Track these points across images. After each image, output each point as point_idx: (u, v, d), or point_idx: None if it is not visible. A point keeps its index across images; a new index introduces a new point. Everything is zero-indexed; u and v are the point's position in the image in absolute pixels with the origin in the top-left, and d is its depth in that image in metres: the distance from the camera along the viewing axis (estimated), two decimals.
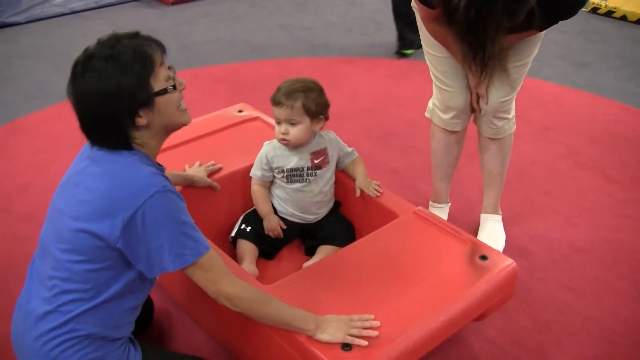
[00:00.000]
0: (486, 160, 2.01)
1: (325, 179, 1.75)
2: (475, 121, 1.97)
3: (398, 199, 1.71)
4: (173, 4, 4.67)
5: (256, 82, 3.35)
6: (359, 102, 3.17)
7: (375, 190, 1.73)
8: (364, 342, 1.24)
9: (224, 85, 3.34)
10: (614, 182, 2.46)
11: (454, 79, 1.82)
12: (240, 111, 2.09)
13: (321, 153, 1.73)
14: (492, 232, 2.06)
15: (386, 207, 1.68)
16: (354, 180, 1.79)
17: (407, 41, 3.54)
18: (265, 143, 1.76)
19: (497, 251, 1.54)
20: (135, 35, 1.20)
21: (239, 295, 1.22)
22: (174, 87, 1.21)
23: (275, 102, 1.63)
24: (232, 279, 1.21)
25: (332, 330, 1.24)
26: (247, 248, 1.71)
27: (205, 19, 4.41)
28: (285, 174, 1.72)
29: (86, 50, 1.17)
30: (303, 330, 1.25)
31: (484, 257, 1.48)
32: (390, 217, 1.64)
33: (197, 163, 1.80)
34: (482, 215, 2.11)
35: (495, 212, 2.11)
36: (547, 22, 1.56)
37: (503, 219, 2.14)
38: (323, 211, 1.79)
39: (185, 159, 1.83)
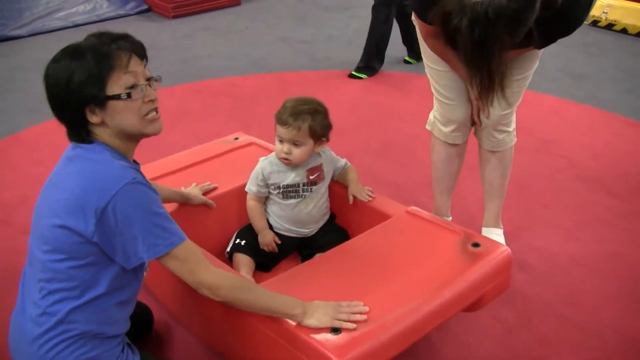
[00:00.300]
0: (487, 173, 2.01)
1: (320, 194, 1.77)
2: (475, 134, 1.97)
3: (391, 202, 1.72)
4: (174, 17, 4.72)
5: (256, 95, 3.37)
6: (358, 115, 3.18)
7: (368, 195, 1.74)
8: (352, 325, 1.23)
9: (223, 99, 3.36)
10: (615, 195, 2.46)
11: (455, 92, 1.83)
12: (236, 138, 2.14)
13: (317, 169, 1.75)
14: None
15: (379, 210, 1.69)
16: (345, 191, 1.81)
17: (369, 69, 3.58)
18: (261, 159, 1.77)
19: (491, 239, 1.54)
20: (118, 36, 1.21)
21: (219, 284, 1.21)
22: (129, 95, 1.19)
23: (282, 121, 1.63)
24: (210, 267, 1.21)
25: (320, 315, 1.24)
26: (243, 261, 1.72)
27: (205, 32, 4.45)
28: (281, 190, 1.73)
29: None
30: (289, 316, 1.24)
31: (476, 245, 1.48)
32: (383, 219, 1.65)
33: (193, 184, 1.82)
34: (484, 229, 2.11)
35: (497, 226, 2.11)
36: (546, 40, 1.58)
37: (504, 233, 2.14)
38: (319, 225, 1.80)
39: (182, 184, 1.85)
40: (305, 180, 1.73)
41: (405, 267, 1.44)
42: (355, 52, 3.95)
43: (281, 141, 1.66)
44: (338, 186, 1.85)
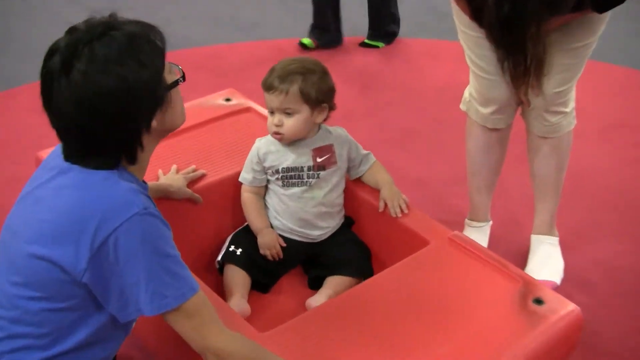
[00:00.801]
0: (537, 165, 1.99)
1: (331, 183, 1.75)
2: (523, 115, 1.96)
3: (427, 220, 1.71)
4: None
5: (245, 68, 3.33)
6: (374, 95, 3.15)
7: (400, 209, 1.71)
8: None
9: (205, 73, 3.33)
10: None
11: (495, 64, 1.79)
12: (228, 99, 2.10)
13: (326, 150, 1.73)
14: (546, 259, 2.04)
15: (412, 230, 1.68)
16: (376, 190, 1.77)
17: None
18: (258, 139, 1.77)
19: (556, 293, 1.53)
20: (134, 22, 1.22)
21: (230, 351, 1.21)
22: (183, 77, 1.26)
23: (267, 86, 1.64)
24: (224, 330, 1.22)
25: None
26: (236, 277, 1.71)
27: None
28: (281, 174, 1.72)
29: (73, 32, 1.15)
30: None
31: (539, 301, 1.48)
32: (418, 244, 1.64)
33: (174, 168, 1.81)
34: (534, 237, 2.09)
35: (550, 233, 2.09)
36: (604, 4, 1.56)
37: (560, 242, 2.11)
38: (330, 225, 1.79)
39: (158, 162, 1.84)
40: (311, 163, 1.72)
41: (450, 327, 1.42)
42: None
43: (272, 112, 1.68)
44: (357, 186, 1.82)
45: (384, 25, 3.54)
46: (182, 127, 1.91)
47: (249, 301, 1.68)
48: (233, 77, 3.25)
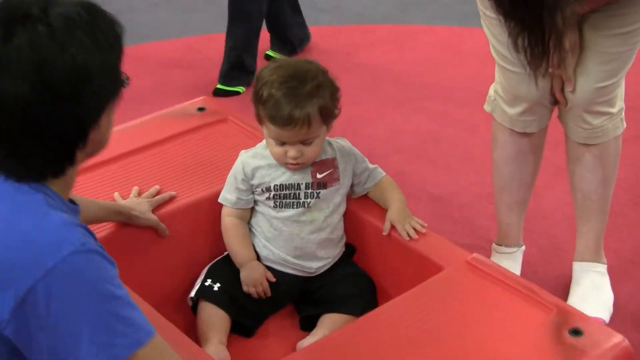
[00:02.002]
0: (579, 179, 2.00)
1: (333, 204, 1.76)
2: (560, 118, 1.97)
3: (442, 242, 1.72)
4: None
5: None
6: (383, 94, 3.16)
7: (414, 230, 1.72)
8: None
9: (178, 71, 3.36)
10: None
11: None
12: (201, 109, 2.14)
13: (328, 165, 1.75)
14: (592, 291, 2.05)
15: (424, 254, 1.69)
16: (381, 209, 1.79)
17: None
18: (242, 152, 1.79)
19: (598, 323, 1.52)
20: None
21: None
22: (127, 78, 1.26)
23: (283, 121, 1.64)
24: None
25: None
26: (213, 318, 1.71)
27: None
28: (273, 193, 1.73)
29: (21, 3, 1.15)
30: None
31: (576, 332, 1.46)
32: (431, 271, 1.64)
33: (135, 190, 1.83)
34: (576, 265, 2.10)
35: (597, 260, 2.10)
36: None
37: (609, 270, 2.12)
38: (331, 255, 1.81)
39: (118, 186, 1.85)
40: (310, 180, 1.74)
41: None
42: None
43: (282, 144, 1.69)
44: (358, 207, 1.83)
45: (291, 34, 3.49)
46: (147, 142, 1.99)
47: (229, 346, 1.68)
48: (212, 74, 3.27)
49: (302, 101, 1.63)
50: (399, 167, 2.67)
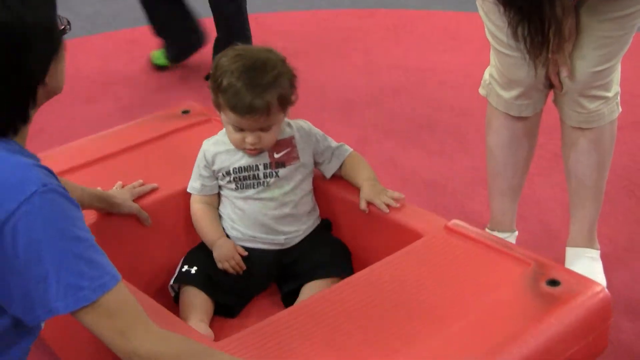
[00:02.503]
0: (574, 163, 2.00)
1: (295, 181, 1.80)
2: (555, 102, 1.96)
3: (421, 212, 1.76)
4: None
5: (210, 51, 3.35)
6: (379, 79, 3.18)
7: (391, 201, 1.74)
8: None
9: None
10: None
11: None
12: (185, 111, 2.20)
13: (284, 144, 1.79)
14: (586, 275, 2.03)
15: (402, 224, 1.72)
16: (356, 188, 1.81)
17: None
18: (205, 140, 1.84)
19: (577, 274, 1.53)
20: None
21: (160, 352, 1.21)
22: (69, 24, 1.26)
23: (243, 110, 1.67)
24: (151, 327, 1.22)
25: None
26: (195, 300, 1.73)
27: None
28: (233, 176, 1.78)
29: None
30: None
31: (554, 282, 1.49)
32: (411, 239, 1.66)
33: (118, 184, 1.87)
34: (569, 250, 2.10)
35: (590, 246, 2.09)
36: None
37: (603, 256, 2.11)
38: (300, 229, 1.83)
39: (100, 182, 1.88)
40: (267, 161, 1.78)
41: (444, 317, 1.44)
42: None
43: (241, 130, 1.73)
44: (332, 184, 1.87)
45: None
46: (131, 143, 2.03)
47: (212, 328, 1.69)
48: (206, 58, 3.24)
49: (262, 91, 1.66)
50: (393, 152, 2.68)
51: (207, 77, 2.93)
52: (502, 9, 1.61)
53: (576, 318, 1.43)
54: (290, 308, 1.54)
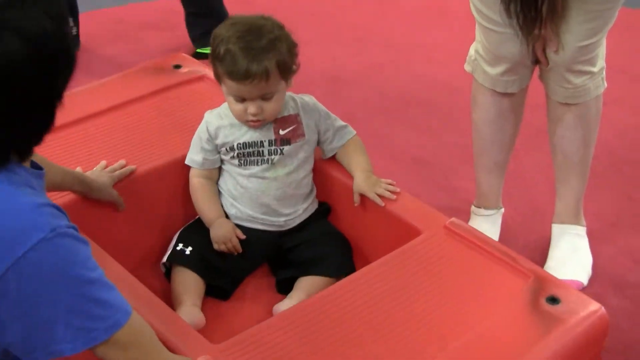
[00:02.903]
0: (559, 139, 2.00)
1: (298, 159, 1.78)
2: (541, 78, 1.95)
3: (421, 206, 1.73)
4: None
5: None
6: (366, 55, 3.15)
7: (387, 193, 1.72)
8: None
9: (157, 34, 3.32)
10: None
11: (504, 12, 1.80)
12: (177, 66, 2.13)
13: (290, 121, 1.77)
14: (571, 253, 2.05)
15: (401, 218, 1.70)
16: (350, 177, 1.80)
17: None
18: (207, 112, 1.80)
19: (576, 291, 1.53)
20: None
21: None
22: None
23: (240, 75, 1.65)
24: (163, 354, 1.25)
25: None
26: (187, 281, 1.71)
27: None
28: (237, 152, 1.75)
29: None
30: None
31: (553, 300, 1.48)
32: (408, 234, 1.65)
33: (102, 163, 1.82)
34: (555, 227, 2.10)
35: (576, 222, 2.09)
36: None
37: (589, 233, 2.11)
38: (298, 210, 1.81)
39: (84, 148, 1.84)
40: (272, 137, 1.75)
41: (443, 331, 1.43)
42: None
43: (243, 100, 1.70)
44: (332, 166, 1.84)
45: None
46: (117, 102, 1.96)
47: (204, 310, 1.68)
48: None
49: (258, 55, 1.64)
50: (381, 129, 2.66)
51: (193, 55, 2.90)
52: None
53: (574, 340, 1.43)
54: (287, 311, 1.52)
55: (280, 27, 1.71)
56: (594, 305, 1.47)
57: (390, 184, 1.75)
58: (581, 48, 1.82)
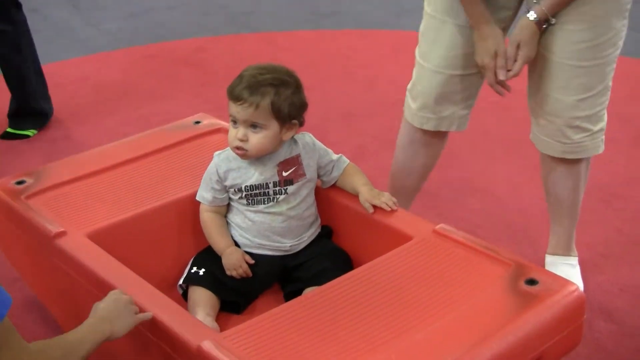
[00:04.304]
0: (551, 185, 2.00)
1: (300, 197, 1.80)
2: (534, 138, 1.94)
3: (412, 217, 1.77)
4: None
5: (234, 64, 3.24)
6: (378, 93, 3.18)
7: (390, 202, 1.75)
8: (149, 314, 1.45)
9: (186, 69, 3.39)
10: None
11: (438, 47, 1.87)
12: (197, 122, 2.20)
13: (292, 162, 1.78)
14: None
15: (396, 228, 1.73)
16: (353, 195, 1.81)
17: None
18: (216, 153, 1.81)
19: (553, 274, 1.54)
20: None
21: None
22: None
23: (234, 96, 1.68)
24: (24, 347, 1.26)
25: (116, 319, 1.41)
26: (202, 296, 1.73)
27: None
28: (244, 193, 1.77)
29: None
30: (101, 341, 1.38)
31: (532, 281, 1.50)
32: (402, 241, 1.68)
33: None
34: (549, 258, 2.10)
35: (568, 253, 2.09)
36: None
37: (580, 262, 2.12)
38: (304, 237, 1.83)
39: (113, 188, 1.91)
40: (276, 179, 1.77)
41: (430, 312, 1.46)
42: (379, 4, 3.93)
43: (235, 122, 1.71)
44: (333, 192, 1.87)
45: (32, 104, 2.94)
46: (142, 152, 2.04)
47: (218, 321, 1.69)
48: (220, 75, 3.28)
49: (258, 85, 1.67)
50: (389, 161, 2.58)
51: None
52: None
53: (552, 314, 1.44)
54: (288, 303, 1.53)
55: (297, 83, 1.72)
56: (571, 285, 1.48)
57: (388, 202, 1.75)
58: (578, 102, 1.80)
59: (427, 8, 1.92)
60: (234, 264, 1.75)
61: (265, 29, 3.71)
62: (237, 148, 1.71)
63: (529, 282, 1.49)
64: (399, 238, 1.68)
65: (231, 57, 3.45)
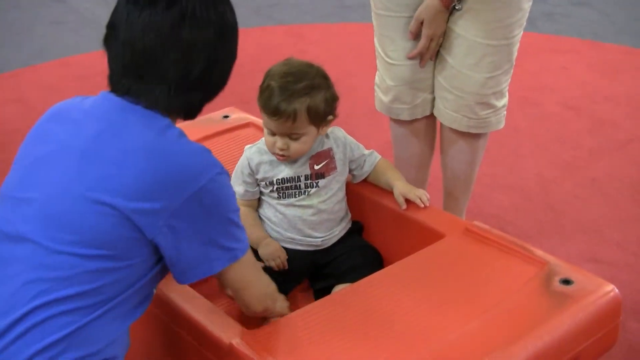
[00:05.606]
0: (450, 158, 2.06)
1: (332, 191, 1.79)
2: (437, 112, 2.00)
3: (444, 214, 1.78)
4: None
5: (260, 57, 3.32)
6: None
7: (424, 197, 1.75)
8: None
9: None
10: None
11: (394, 43, 1.94)
12: (226, 117, 2.22)
13: (324, 156, 1.78)
14: None
15: (428, 225, 1.73)
16: (384, 190, 1.81)
17: None
18: (247, 147, 1.81)
19: (588, 273, 1.54)
20: None
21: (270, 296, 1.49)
22: None
23: (270, 111, 1.67)
24: (265, 277, 1.47)
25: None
26: None
27: None
28: (276, 186, 1.77)
29: None
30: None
31: (567, 281, 1.50)
32: (434, 239, 1.68)
33: None
34: None
35: None
36: None
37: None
38: (334, 231, 1.83)
39: None
40: (308, 172, 1.77)
41: (464, 312, 1.45)
42: None
43: (273, 134, 1.71)
44: (362, 188, 1.86)
45: None
46: None
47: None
48: (245, 67, 3.20)
49: (291, 96, 1.65)
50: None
51: None
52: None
53: (587, 315, 1.44)
54: (319, 301, 1.54)
55: (324, 77, 1.71)
56: (608, 286, 1.48)
57: (422, 197, 1.75)
58: (488, 79, 1.87)
59: (372, 6, 1.99)
60: (272, 253, 1.75)
61: (290, 21, 3.69)
62: (279, 155, 1.71)
63: (564, 282, 1.49)
64: (431, 236, 1.68)
65: (256, 50, 3.44)
